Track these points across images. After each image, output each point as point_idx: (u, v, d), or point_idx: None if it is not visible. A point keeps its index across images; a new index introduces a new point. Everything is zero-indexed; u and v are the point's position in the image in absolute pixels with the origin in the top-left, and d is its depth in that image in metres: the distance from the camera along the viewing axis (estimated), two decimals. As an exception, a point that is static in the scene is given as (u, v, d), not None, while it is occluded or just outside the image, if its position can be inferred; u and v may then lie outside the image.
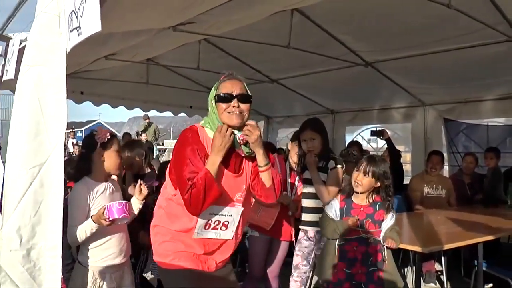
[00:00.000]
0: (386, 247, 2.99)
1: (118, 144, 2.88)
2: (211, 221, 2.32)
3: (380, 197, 3.10)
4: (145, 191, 2.94)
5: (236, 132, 2.30)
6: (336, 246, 3.09)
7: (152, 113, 9.31)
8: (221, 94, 2.29)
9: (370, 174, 3.03)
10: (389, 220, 3.07)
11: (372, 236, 3.03)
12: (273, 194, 2.48)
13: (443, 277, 4.66)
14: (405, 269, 4.85)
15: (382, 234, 3.05)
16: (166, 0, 2.75)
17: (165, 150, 23.98)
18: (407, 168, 8.41)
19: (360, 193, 3.09)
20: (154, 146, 13.52)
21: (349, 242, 3.06)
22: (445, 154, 6.84)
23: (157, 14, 3.02)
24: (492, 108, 6.88)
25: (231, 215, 2.36)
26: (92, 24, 1.40)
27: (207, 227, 2.33)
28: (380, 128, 6.63)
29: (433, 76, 6.45)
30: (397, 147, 6.39)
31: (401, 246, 3.20)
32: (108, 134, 2.82)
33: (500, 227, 4.07)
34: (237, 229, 2.43)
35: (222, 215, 2.34)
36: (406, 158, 8.75)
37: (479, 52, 5.32)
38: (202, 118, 8.55)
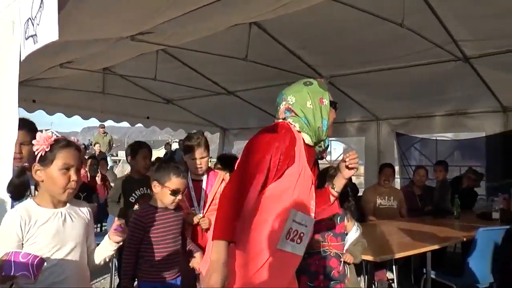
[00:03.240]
0: (344, 262, 3.02)
1: (68, 157, 1.99)
2: (291, 229, 2.07)
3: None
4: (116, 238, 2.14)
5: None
6: None
7: (108, 123, 9.15)
8: (333, 101, 2.26)
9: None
10: (353, 232, 3.09)
11: (334, 250, 3.05)
12: (326, 216, 2.49)
13: (394, 285, 4.78)
14: (358, 278, 4.95)
15: (346, 247, 3.07)
16: (126, 9, 2.74)
17: (119, 161, 23.49)
18: (360, 180, 8.62)
19: None
20: (108, 157, 13.25)
21: (311, 256, 3.07)
22: (396, 167, 7.08)
23: (117, 23, 3.00)
24: (440, 123, 7.21)
25: (306, 226, 2.13)
26: (49, 32, 1.38)
27: (288, 237, 2.06)
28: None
29: (386, 92, 6.67)
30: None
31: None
32: (47, 143, 1.96)
33: (447, 236, 4.26)
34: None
35: (301, 224, 2.09)
36: (360, 170, 8.96)
37: (429, 70, 5.58)
38: (161, 129, 8.34)
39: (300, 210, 2.10)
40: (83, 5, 2.33)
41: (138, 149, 3.99)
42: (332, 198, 2.36)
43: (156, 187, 2.85)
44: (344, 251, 3.07)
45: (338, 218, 3.09)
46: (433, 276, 4.05)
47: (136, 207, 3.72)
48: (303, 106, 2.18)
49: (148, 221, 2.79)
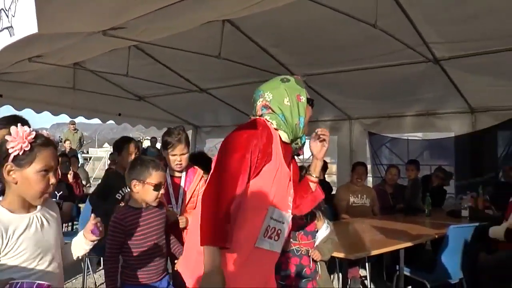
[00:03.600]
0: (313, 260, 3.03)
1: (49, 158, 1.74)
2: (269, 227, 2.06)
3: None
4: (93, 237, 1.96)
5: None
6: None
7: (79, 119, 8.96)
8: (310, 98, 2.24)
9: None
10: (324, 230, 3.08)
11: (305, 248, 3.04)
12: (312, 205, 2.40)
13: (367, 282, 4.85)
14: (332, 275, 5.01)
15: (316, 244, 3.07)
16: (98, 3, 2.68)
17: (90, 159, 23.12)
18: (333, 178, 8.71)
19: None
20: (79, 154, 13.01)
21: (283, 254, 3.07)
22: (369, 166, 7.17)
23: (89, 17, 2.93)
24: (411, 123, 7.35)
25: (283, 223, 2.11)
26: (27, 24, 1.32)
27: (265, 235, 2.06)
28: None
29: (359, 92, 6.75)
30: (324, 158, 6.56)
31: (328, 253, 3.30)
32: (27, 141, 1.68)
33: (419, 234, 4.32)
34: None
35: (278, 221, 2.09)
36: (332, 169, 9.07)
37: (401, 71, 5.67)
38: (133, 126, 8.22)
39: (278, 207, 2.08)
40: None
41: (123, 145, 3.89)
42: (312, 185, 2.31)
43: (136, 186, 2.67)
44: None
45: (309, 216, 3.06)
46: (406, 273, 4.11)
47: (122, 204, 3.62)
48: (281, 103, 2.16)
49: (128, 224, 2.61)
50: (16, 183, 1.71)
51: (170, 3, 3.02)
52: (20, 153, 1.67)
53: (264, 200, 2.04)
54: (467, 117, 6.79)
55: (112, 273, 2.59)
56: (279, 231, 2.08)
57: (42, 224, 1.79)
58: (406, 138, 7.77)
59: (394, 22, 4.49)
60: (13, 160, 1.68)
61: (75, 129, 13.61)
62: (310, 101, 2.24)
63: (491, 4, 4.12)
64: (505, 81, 5.51)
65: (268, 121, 2.15)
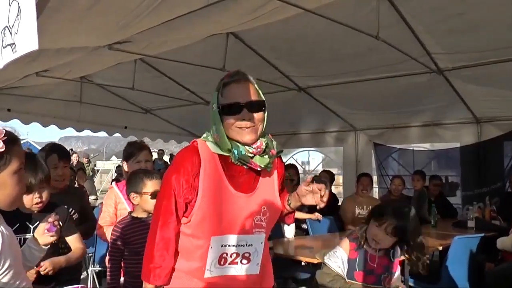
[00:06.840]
0: None
1: (22, 154, 1.49)
2: (227, 254, 1.84)
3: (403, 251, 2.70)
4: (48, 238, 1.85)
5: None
6: None
7: (85, 132, 9.02)
8: (226, 103, 1.80)
9: (392, 233, 2.54)
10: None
11: None
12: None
13: (372, 294, 4.82)
14: None
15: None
16: (103, 18, 2.73)
17: (97, 171, 23.23)
18: (339, 190, 8.69)
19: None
20: (87, 167, 13.08)
21: None
22: (374, 177, 7.15)
23: (94, 31, 2.99)
24: (417, 134, 7.34)
25: (251, 245, 1.87)
26: (28, 41, 1.36)
27: (222, 263, 1.84)
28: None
29: (364, 103, 6.76)
30: (330, 170, 6.59)
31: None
32: (1, 142, 1.39)
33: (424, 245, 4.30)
34: (262, 261, 1.93)
35: (240, 246, 1.85)
36: (338, 180, 9.05)
37: (405, 82, 5.69)
38: (139, 139, 8.20)
39: (231, 232, 1.84)
40: (58, 14, 2.31)
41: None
42: (285, 211, 2.01)
43: (135, 198, 2.74)
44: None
45: (391, 253, 2.70)
46: (411, 283, 4.08)
47: None
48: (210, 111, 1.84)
49: (126, 231, 2.67)
50: None
51: (173, 17, 3.07)
52: None
53: (207, 231, 1.82)
54: (473, 127, 6.77)
55: (113, 276, 2.67)
56: (246, 254, 1.86)
57: (10, 236, 1.49)
58: (411, 148, 7.76)
59: (396, 33, 4.52)
60: None
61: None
62: (220, 108, 1.81)
63: (489, 16, 4.16)
64: (509, 91, 5.50)
65: (206, 140, 1.85)
